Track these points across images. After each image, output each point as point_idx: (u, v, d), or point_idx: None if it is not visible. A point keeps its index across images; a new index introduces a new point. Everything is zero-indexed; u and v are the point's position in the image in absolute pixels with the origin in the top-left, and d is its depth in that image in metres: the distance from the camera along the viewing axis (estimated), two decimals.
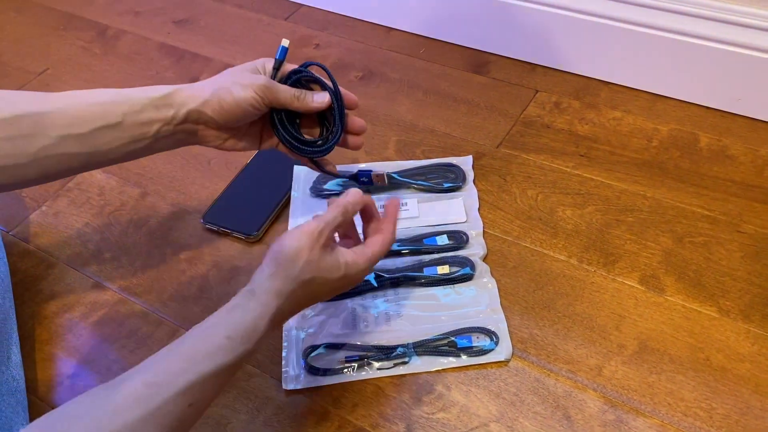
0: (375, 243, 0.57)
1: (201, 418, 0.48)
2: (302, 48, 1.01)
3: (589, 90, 0.89)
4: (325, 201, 0.77)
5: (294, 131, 0.63)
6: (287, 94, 0.60)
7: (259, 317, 0.50)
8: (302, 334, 0.65)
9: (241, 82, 0.58)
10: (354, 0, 1.03)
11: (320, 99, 0.62)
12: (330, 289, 0.55)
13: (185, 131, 0.59)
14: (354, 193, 0.58)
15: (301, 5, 1.10)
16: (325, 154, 0.64)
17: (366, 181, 0.76)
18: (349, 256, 0.55)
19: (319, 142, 0.64)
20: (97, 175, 0.85)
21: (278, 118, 0.62)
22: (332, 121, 0.63)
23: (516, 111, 0.87)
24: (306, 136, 0.64)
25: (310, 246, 0.52)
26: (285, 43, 0.61)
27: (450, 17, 0.96)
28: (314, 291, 0.54)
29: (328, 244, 0.54)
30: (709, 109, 0.84)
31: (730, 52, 0.78)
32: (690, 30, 0.79)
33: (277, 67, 0.61)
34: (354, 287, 0.61)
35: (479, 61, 0.95)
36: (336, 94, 0.62)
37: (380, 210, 0.62)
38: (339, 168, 0.80)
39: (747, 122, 0.82)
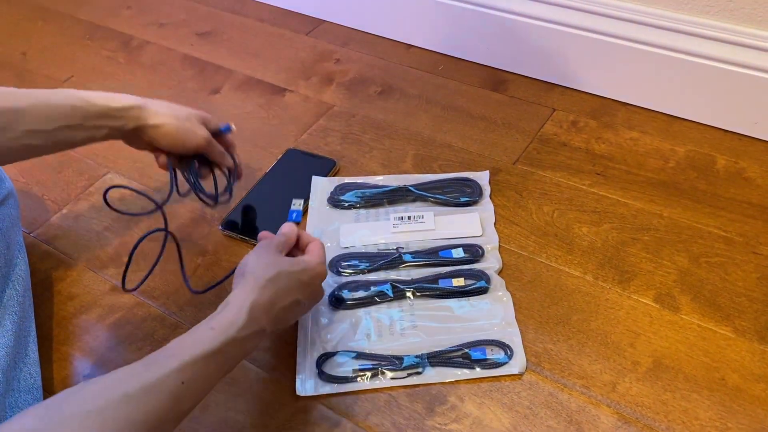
0: (315, 246, 0.64)
1: (210, 419, 0.48)
2: (323, 63, 1.03)
3: (607, 110, 0.89)
4: (341, 211, 0.78)
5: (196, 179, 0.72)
6: (215, 150, 0.72)
7: (236, 312, 0.54)
8: (316, 342, 0.66)
9: (193, 128, 0.69)
10: (374, 17, 1.05)
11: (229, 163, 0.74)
12: (297, 282, 0.59)
13: (129, 137, 0.68)
14: (288, 226, 0.65)
15: (323, 21, 1.11)
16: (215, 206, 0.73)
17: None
18: (303, 256, 0.63)
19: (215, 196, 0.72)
20: (118, 180, 0.86)
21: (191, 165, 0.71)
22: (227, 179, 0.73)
23: (533, 129, 0.88)
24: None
25: (266, 252, 0.60)
26: (233, 126, 0.74)
27: (469, 36, 0.97)
28: (284, 285, 0.58)
29: (281, 251, 0.62)
30: (726, 132, 0.84)
31: (748, 75, 0.78)
32: (708, 53, 0.80)
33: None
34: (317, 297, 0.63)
35: (497, 79, 0.96)
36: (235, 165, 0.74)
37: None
38: (355, 179, 0.81)
39: (764, 145, 0.82)
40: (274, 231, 0.77)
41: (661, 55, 0.83)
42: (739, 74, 0.79)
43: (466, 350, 0.64)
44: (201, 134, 0.69)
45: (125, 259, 0.76)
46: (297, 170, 0.84)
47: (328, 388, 0.62)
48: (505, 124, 0.89)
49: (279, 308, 0.57)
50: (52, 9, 1.19)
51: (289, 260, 0.61)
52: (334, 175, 0.84)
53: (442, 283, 0.69)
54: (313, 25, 1.11)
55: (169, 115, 0.68)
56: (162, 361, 0.49)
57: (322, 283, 0.64)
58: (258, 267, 0.58)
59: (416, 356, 0.63)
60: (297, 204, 0.79)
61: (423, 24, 1.00)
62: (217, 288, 0.73)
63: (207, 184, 0.72)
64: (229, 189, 0.74)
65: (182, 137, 0.68)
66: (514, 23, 0.91)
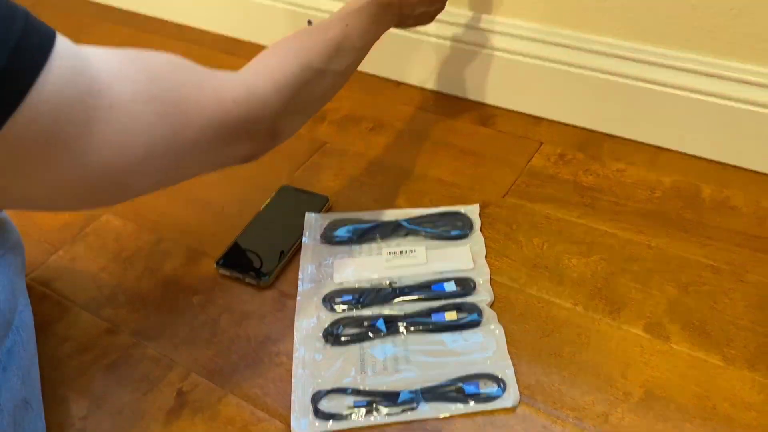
0: None
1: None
2: None
3: (593, 142, 0.91)
4: (335, 247, 0.79)
5: None
6: None
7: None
8: (311, 379, 0.66)
9: None
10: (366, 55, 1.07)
11: None
12: None
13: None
14: None
15: None
16: None
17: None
18: None
19: None
20: (114, 222, 0.87)
21: None
22: None
23: (522, 162, 0.90)
24: None
25: None
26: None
27: (457, 73, 1.00)
28: None
29: None
30: (711, 161, 0.86)
31: (729, 106, 0.80)
32: (689, 85, 0.82)
33: None
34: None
35: (486, 114, 0.98)
36: None
37: None
38: (348, 215, 0.82)
39: (748, 174, 0.84)
40: (267, 267, 0.78)
41: (645, 88, 0.85)
42: (720, 105, 0.81)
43: (460, 384, 0.64)
44: None
45: (122, 299, 0.77)
46: (291, 207, 0.85)
47: (323, 426, 0.63)
48: (494, 158, 0.91)
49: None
50: None
51: None
52: (327, 211, 0.85)
53: (435, 317, 0.70)
54: None
55: None
56: (329, 19, 0.69)
57: None
58: None
59: (410, 391, 0.64)
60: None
61: (413, 62, 1.03)
62: (212, 327, 0.74)
63: None
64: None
65: None
66: (500, 60, 0.94)
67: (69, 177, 0.47)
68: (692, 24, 0.79)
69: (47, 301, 0.78)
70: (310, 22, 0.75)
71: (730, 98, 0.80)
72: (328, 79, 0.68)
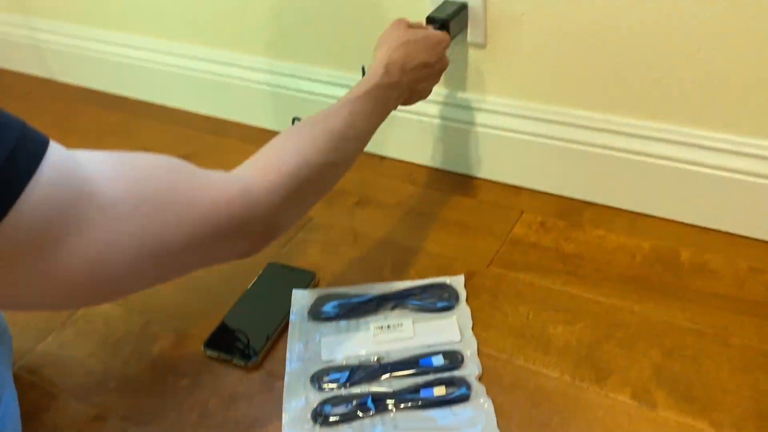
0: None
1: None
2: None
3: (573, 210, 0.93)
4: (322, 323, 0.80)
5: None
6: None
7: (376, 68, 0.75)
8: None
9: None
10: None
11: None
12: (423, 45, 0.78)
13: None
14: None
15: None
16: None
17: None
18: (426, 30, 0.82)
19: None
20: (103, 306, 0.87)
21: None
22: None
23: (504, 231, 0.91)
24: None
25: (397, 27, 0.81)
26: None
27: (438, 146, 1.03)
28: (412, 48, 0.77)
29: (409, 26, 0.81)
30: (688, 225, 0.88)
31: (701, 172, 0.83)
32: (661, 153, 0.85)
33: None
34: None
35: (468, 185, 1.01)
36: None
37: None
38: (335, 290, 0.83)
39: (725, 237, 0.86)
40: (254, 348, 0.78)
41: (618, 157, 0.88)
42: (693, 172, 0.84)
43: None
44: None
45: (111, 385, 0.77)
46: (278, 284, 0.86)
47: None
48: (477, 227, 0.93)
49: (410, 67, 0.76)
50: None
51: (415, 30, 0.80)
52: (314, 287, 0.86)
53: (424, 393, 0.70)
54: None
55: None
56: (333, 107, 0.71)
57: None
58: (391, 37, 0.78)
59: None
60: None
61: (396, 137, 1.06)
62: (201, 410, 0.74)
63: None
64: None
65: None
66: (480, 134, 0.97)
67: (58, 278, 0.48)
68: (659, 95, 0.82)
69: (35, 389, 0.77)
70: (295, 121, 0.76)
71: (701, 164, 0.83)
72: (330, 171, 0.68)
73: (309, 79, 1.09)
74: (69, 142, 1.11)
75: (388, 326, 0.78)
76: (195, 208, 0.54)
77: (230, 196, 0.57)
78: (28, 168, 0.44)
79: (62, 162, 0.47)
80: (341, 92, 1.06)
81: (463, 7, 0.86)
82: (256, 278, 0.87)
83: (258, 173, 0.61)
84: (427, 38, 0.80)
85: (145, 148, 1.21)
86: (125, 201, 0.50)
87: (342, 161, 0.69)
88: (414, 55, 0.77)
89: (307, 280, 0.86)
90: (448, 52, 0.85)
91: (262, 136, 1.17)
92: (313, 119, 0.69)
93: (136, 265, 0.51)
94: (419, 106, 0.99)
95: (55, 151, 0.47)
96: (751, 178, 0.81)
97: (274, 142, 0.66)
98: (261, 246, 0.63)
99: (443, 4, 0.87)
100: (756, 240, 0.85)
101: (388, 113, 0.76)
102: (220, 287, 0.88)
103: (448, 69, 0.85)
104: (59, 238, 0.46)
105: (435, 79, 0.83)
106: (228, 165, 1.11)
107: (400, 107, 0.80)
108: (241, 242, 0.60)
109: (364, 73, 0.84)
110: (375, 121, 0.74)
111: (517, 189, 0.99)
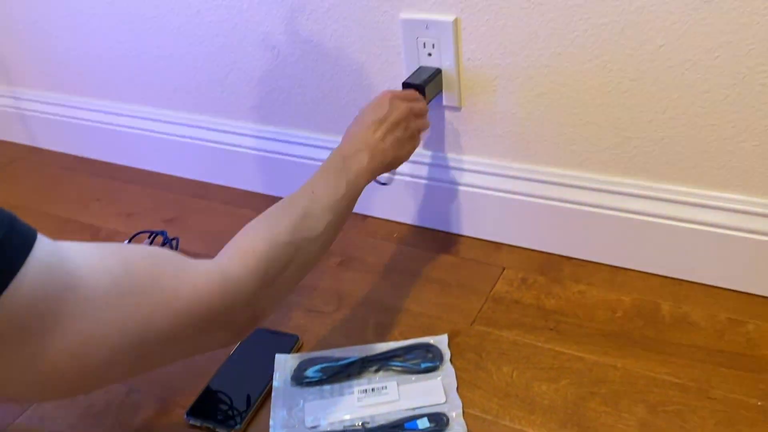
0: None
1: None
2: None
3: (553, 265, 0.94)
4: (306, 388, 0.79)
5: None
6: None
7: (341, 140, 0.78)
8: None
9: None
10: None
11: None
12: (374, 105, 0.80)
13: None
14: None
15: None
16: None
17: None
18: None
19: None
20: None
21: None
22: None
23: (486, 288, 0.92)
24: None
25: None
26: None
27: (420, 205, 1.04)
28: (368, 111, 0.80)
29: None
30: (667, 278, 0.89)
31: (676, 226, 0.85)
32: (639, 209, 0.87)
33: None
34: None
35: (449, 242, 1.02)
36: None
37: None
38: (318, 354, 0.83)
39: (703, 289, 0.87)
40: (237, 415, 0.78)
41: (594, 212, 0.89)
42: (670, 226, 0.85)
43: None
44: None
45: None
46: (261, 349, 0.86)
47: None
48: (459, 285, 0.93)
49: (363, 131, 0.78)
50: (22, 206, 1.25)
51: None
52: (298, 351, 0.86)
53: None
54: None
55: None
56: (298, 189, 0.72)
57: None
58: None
59: None
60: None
61: (377, 196, 1.07)
62: None
63: None
64: None
65: None
66: (460, 192, 0.99)
67: (41, 369, 0.48)
68: (629, 153, 0.85)
69: None
70: None
71: (675, 218, 0.85)
72: (302, 249, 0.67)
73: (292, 143, 1.11)
74: (54, 209, 1.12)
75: (373, 389, 0.78)
76: (177, 299, 0.55)
77: (211, 284, 0.58)
78: (16, 261, 0.46)
79: (49, 255, 0.49)
80: (322, 154, 1.08)
81: (438, 73, 0.89)
82: (238, 343, 0.87)
83: (233, 259, 0.62)
84: (372, 101, 0.82)
85: (129, 213, 1.22)
86: (111, 292, 0.51)
87: (315, 236, 0.69)
88: (361, 119, 0.79)
89: (291, 343, 0.86)
90: (429, 116, 0.87)
91: (246, 199, 1.20)
92: (283, 201, 0.71)
93: (118, 356, 0.51)
94: (401, 165, 1.02)
95: (42, 244, 0.49)
96: (723, 231, 0.82)
97: (246, 227, 0.67)
98: (245, 333, 0.64)
99: (418, 69, 0.90)
100: (733, 291, 0.86)
101: (357, 182, 0.75)
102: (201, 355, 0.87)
103: (427, 131, 0.87)
104: (44, 329, 0.47)
105: (411, 141, 0.83)
106: (212, 228, 1.12)
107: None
108: (224, 332, 0.61)
109: None
110: (344, 192, 0.73)
111: (497, 245, 1.00)
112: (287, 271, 0.66)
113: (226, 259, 0.62)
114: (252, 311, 0.63)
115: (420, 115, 0.84)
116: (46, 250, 0.49)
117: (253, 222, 0.68)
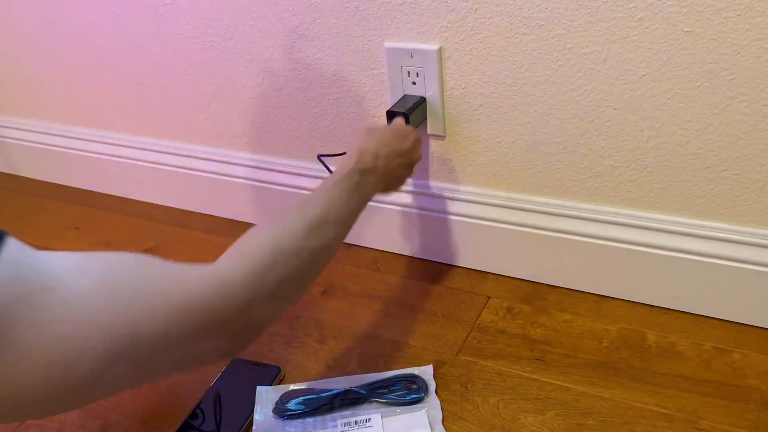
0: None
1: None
2: None
3: (538, 294, 0.94)
4: (288, 421, 0.77)
5: None
6: None
7: (350, 156, 0.77)
8: None
9: None
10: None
11: None
12: (392, 134, 0.81)
13: None
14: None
15: None
16: None
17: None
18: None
19: None
20: None
21: None
22: None
23: (471, 318, 0.91)
24: None
25: (364, 126, 0.84)
26: None
27: (404, 234, 1.03)
28: (382, 135, 0.80)
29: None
30: (652, 307, 0.89)
31: (661, 254, 0.85)
32: (624, 237, 0.86)
33: None
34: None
35: (434, 271, 1.01)
36: None
37: None
38: (301, 386, 0.81)
39: (689, 318, 0.87)
40: None
41: (581, 241, 0.89)
42: (654, 254, 0.85)
43: None
44: None
45: None
46: (242, 381, 0.84)
47: None
48: (444, 315, 0.92)
49: (384, 154, 0.78)
50: None
51: (383, 124, 0.86)
52: (280, 382, 0.84)
53: None
54: None
55: None
56: (309, 195, 0.71)
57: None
58: (361, 132, 0.81)
59: None
60: None
61: (361, 224, 1.06)
62: None
63: None
64: None
65: None
66: (444, 221, 0.98)
67: (23, 379, 0.44)
68: (613, 182, 0.85)
69: None
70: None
71: (660, 247, 0.85)
72: (306, 258, 0.66)
73: (275, 171, 1.11)
74: (31, 237, 1.10)
75: (356, 422, 0.76)
76: (168, 298, 0.52)
77: (203, 284, 0.55)
78: None
79: (19, 256, 0.45)
80: (305, 182, 1.07)
81: (422, 101, 0.89)
82: (219, 374, 0.85)
83: (232, 263, 0.60)
84: (397, 128, 0.83)
85: (108, 242, 1.20)
86: (93, 293, 0.47)
87: (320, 247, 0.68)
88: (387, 142, 0.79)
89: (273, 375, 0.84)
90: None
91: (226, 228, 1.18)
92: (289, 208, 0.69)
93: (108, 362, 0.47)
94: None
95: (12, 245, 0.45)
96: (708, 260, 0.82)
97: (248, 233, 0.65)
98: (243, 343, 0.60)
99: (403, 98, 0.90)
100: (719, 320, 0.86)
101: (366, 198, 0.76)
102: (182, 386, 0.85)
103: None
104: (17, 334, 0.44)
105: (409, 170, 0.85)
106: (193, 257, 1.11)
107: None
108: (219, 338, 0.57)
109: (321, 161, 0.85)
110: (354, 206, 0.73)
111: (483, 274, 0.99)
112: (289, 280, 0.63)
113: (223, 261, 0.60)
114: (249, 318, 0.59)
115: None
116: (16, 250, 0.45)
117: (259, 226, 0.67)
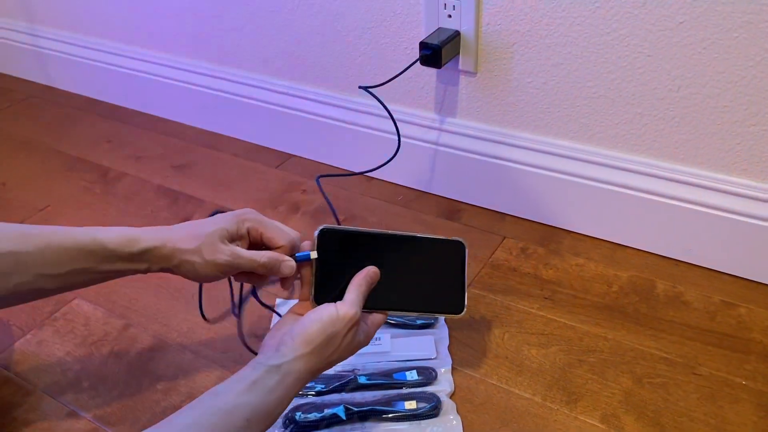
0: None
1: None
2: (290, 192, 1.09)
3: (554, 238, 0.95)
4: None
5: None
6: (252, 264, 0.63)
7: (281, 398, 0.55)
8: None
9: (207, 258, 0.62)
10: (337, 154, 1.13)
11: (288, 270, 0.63)
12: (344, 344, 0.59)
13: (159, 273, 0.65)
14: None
15: (292, 155, 1.19)
16: None
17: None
18: (367, 320, 0.63)
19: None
20: (84, 306, 0.88)
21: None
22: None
23: (485, 255, 0.93)
24: None
25: (346, 332, 0.59)
26: (313, 255, 0.63)
27: (426, 170, 1.05)
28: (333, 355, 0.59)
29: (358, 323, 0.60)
30: (665, 258, 0.90)
31: (681, 207, 0.85)
32: (642, 186, 0.87)
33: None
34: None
35: (453, 209, 1.03)
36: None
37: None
38: None
39: (700, 271, 0.88)
40: None
41: (601, 188, 0.90)
42: (672, 206, 0.86)
43: None
44: (222, 261, 0.62)
45: (85, 384, 0.77)
46: None
47: None
48: None
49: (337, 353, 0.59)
50: (35, 142, 1.26)
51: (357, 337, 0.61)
52: None
53: (395, 406, 0.71)
54: (283, 158, 1.18)
55: (191, 250, 0.62)
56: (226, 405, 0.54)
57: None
58: (329, 346, 0.58)
59: None
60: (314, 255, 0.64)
61: (383, 159, 1.08)
62: None
63: None
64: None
65: (204, 272, 0.62)
66: (466, 159, 0.99)
67: None
68: (639, 130, 0.85)
69: (9, 384, 0.78)
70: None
71: (680, 199, 0.85)
72: None
73: (302, 98, 1.12)
74: (65, 148, 1.13)
75: None
76: None
77: None
78: None
79: None
80: (336, 112, 1.09)
81: (456, 35, 0.89)
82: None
83: None
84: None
85: (139, 157, 1.22)
86: None
87: None
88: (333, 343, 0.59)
89: None
90: (443, 79, 0.87)
91: (255, 153, 1.20)
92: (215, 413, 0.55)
93: None
94: (413, 131, 1.02)
95: None
96: (727, 215, 0.83)
97: None
98: None
99: (437, 31, 0.90)
100: (730, 275, 0.86)
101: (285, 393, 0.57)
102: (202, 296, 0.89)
103: (440, 95, 0.86)
104: None
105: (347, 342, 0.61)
106: (221, 177, 1.13)
107: None
108: None
109: (369, 91, 0.85)
110: (277, 404, 0.57)
111: (501, 215, 1.00)
112: None
113: None
114: None
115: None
116: None
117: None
